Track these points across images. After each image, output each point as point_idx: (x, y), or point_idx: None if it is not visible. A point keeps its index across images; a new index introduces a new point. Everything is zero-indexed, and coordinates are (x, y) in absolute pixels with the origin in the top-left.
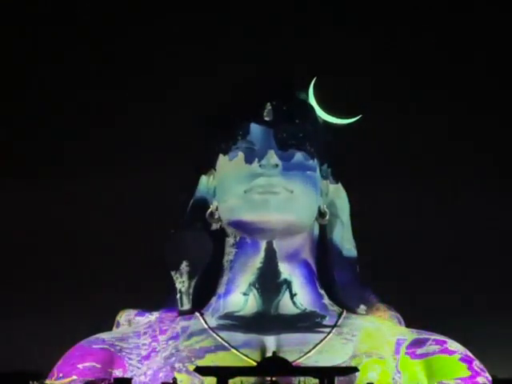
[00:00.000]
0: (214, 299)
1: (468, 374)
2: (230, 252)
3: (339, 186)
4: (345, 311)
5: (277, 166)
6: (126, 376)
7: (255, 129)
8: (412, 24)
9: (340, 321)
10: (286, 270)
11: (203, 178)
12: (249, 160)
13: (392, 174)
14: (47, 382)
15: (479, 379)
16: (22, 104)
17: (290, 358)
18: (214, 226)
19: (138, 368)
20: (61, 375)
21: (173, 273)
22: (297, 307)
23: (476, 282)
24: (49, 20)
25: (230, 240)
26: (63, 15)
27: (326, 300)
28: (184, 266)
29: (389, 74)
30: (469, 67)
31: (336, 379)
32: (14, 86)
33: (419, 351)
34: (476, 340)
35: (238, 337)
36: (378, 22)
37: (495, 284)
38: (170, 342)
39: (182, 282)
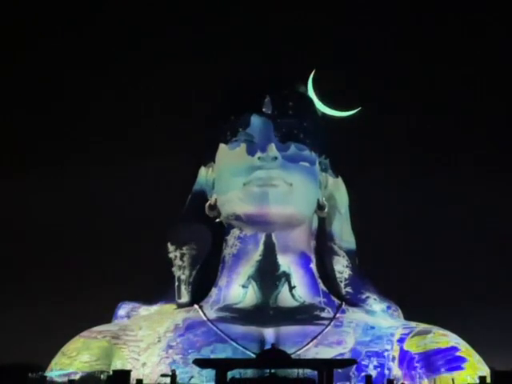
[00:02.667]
0: (213, 291)
1: (466, 365)
2: (229, 245)
3: (339, 179)
4: (344, 304)
5: (276, 158)
6: (125, 368)
7: (255, 121)
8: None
9: (339, 313)
10: (285, 262)
11: (202, 170)
12: (248, 152)
13: (391, 168)
14: (46, 374)
15: (478, 371)
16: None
17: (288, 350)
18: (213, 219)
19: (137, 360)
20: (60, 367)
21: (176, 258)
22: (296, 300)
23: (475, 275)
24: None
25: (231, 232)
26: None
27: (326, 292)
28: (188, 254)
29: (388, 70)
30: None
31: (334, 371)
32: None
33: (418, 344)
34: (475, 333)
35: (237, 329)
36: (376, 20)
37: (494, 278)
38: (169, 335)
39: (182, 269)
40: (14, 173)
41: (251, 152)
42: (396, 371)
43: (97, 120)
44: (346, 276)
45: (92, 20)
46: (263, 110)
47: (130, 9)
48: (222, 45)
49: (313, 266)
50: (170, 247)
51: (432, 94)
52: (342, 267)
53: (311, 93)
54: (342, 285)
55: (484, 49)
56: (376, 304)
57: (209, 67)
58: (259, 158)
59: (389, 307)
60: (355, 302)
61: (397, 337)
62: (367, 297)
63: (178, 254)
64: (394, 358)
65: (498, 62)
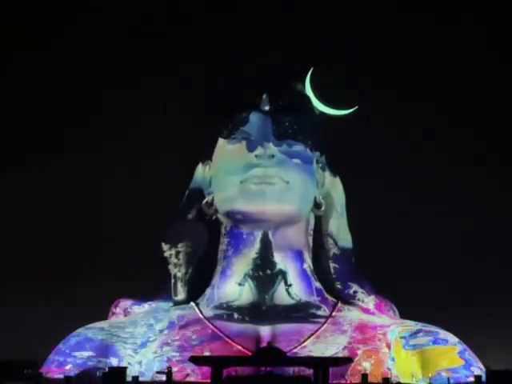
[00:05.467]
0: (209, 289)
1: (461, 364)
2: (226, 242)
3: (336, 178)
4: (339, 302)
5: (273, 156)
6: (121, 365)
7: (252, 119)
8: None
9: (334, 312)
10: (281, 260)
11: (199, 167)
12: (245, 150)
13: (390, 168)
14: (42, 370)
15: (472, 369)
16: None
17: (284, 348)
18: (210, 216)
19: (133, 357)
20: (56, 364)
21: (171, 256)
22: (292, 298)
23: (471, 275)
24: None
25: (227, 230)
26: None
27: (321, 291)
28: (184, 252)
29: (388, 69)
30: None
31: (330, 369)
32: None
33: (413, 342)
34: (470, 331)
35: (233, 327)
36: (376, 20)
37: (490, 278)
38: (165, 332)
39: (178, 266)
40: (12, 172)
41: (248, 150)
42: (392, 369)
43: (95, 119)
44: (334, 271)
45: (90, 19)
46: (260, 107)
47: (129, 8)
48: (221, 44)
49: (309, 264)
50: (164, 246)
51: (432, 93)
52: (334, 263)
53: (309, 91)
54: (337, 283)
55: (485, 48)
56: (366, 297)
57: (208, 66)
58: (256, 156)
59: (380, 300)
60: (345, 297)
61: (393, 335)
62: (355, 291)
63: (172, 252)
64: (389, 357)
65: (499, 62)
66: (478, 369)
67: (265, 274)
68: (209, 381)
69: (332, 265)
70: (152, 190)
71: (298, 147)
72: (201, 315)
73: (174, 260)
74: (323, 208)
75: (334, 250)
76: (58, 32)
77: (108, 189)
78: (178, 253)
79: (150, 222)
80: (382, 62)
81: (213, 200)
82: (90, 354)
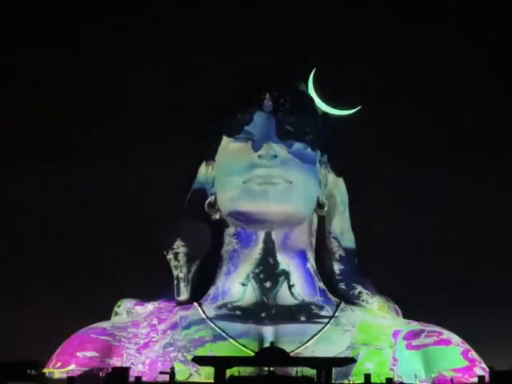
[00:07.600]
0: (212, 289)
1: (465, 364)
2: (229, 242)
3: (340, 178)
4: (343, 302)
5: (276, 156)
6: (124, 365)
7: (256, 119)
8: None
9: (338, 312)
10: (284, 260)
11: (202, 168)
12: (248, 150)
13: (392, 168)
14: (45, 370)
15: (476, 370)
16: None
17: (287, 348)
18: (213, 216)
19: (136, 357)
20: (59, 364)
21: (171, 260)
22: (295, 298)
23: (474, 274)
24: None
25: (230, 230)
26: None
27: (324, 291)
28: (182, 253)
29: (389, 67)
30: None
31: (333, 369)
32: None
33: (416, 342)
34: (473, 332)
35: (236, 327)
36: (377, 19)
37: (493, 278)
38: (169, 332)
39: (179, 268)
40: (11, 172)
41: (251, 150)
42: (395, 370)
43: (96, 119)
44: (338, 272)
45: (90, 18)
46: (263, 107)
47: (129, 7)
48: (223, 43)
49: (312, 264)
50: (165, 252)
51: (433, 93)
52: (337, 264)
53: (311, 91)
54: (341, 283)
55: (486, 48)
56: (370, 298)
57: (210, 66)
58: (259, 156)
59: (388, 306)
60: (350, 298)
61: (396, 336)
62: (360, 292)
63: (171, 255)
64: (392, 356)
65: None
66: (482, 369)
67: (268, 274)
68: (212, 381)
69: (335, 265)
70: (153, 190)
71: (301, 147)
72: (204, 315)
73: (174, 263)
74: (326, 208)
75: (337, 250)
76: (59, 32)
77: (109, 189)
78: (176, 254)
79: (152, 222)
80: (383, 62)
81: (216, 200)
82: (93, 354)
